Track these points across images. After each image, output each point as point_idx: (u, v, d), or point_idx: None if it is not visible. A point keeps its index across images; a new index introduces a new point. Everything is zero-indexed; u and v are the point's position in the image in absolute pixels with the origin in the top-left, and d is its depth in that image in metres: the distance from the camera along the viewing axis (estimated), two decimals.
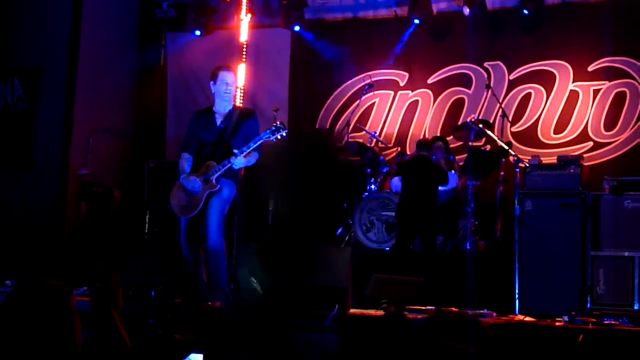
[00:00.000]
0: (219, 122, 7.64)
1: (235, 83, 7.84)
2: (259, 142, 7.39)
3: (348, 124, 10.67)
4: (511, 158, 8.94)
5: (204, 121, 7.73)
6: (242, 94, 11.70)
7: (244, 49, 11.94)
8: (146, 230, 10.77)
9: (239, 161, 7.35)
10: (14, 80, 11.06)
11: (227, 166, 7.37)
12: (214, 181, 7.40)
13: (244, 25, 11.98)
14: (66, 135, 10.84)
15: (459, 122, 10.60)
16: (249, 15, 11.98)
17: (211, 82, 7.74)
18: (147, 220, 10.81)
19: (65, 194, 10.73)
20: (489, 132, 9.47)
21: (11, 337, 2.95)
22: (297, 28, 11.62)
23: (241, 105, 10.68)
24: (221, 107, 7.69)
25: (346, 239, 9.94)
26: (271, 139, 7.46)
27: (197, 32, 12.02)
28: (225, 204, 7.51)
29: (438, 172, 9.29)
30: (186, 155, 7.65)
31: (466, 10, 10.64)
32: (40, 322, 2.96)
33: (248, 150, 7.35)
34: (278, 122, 7.55)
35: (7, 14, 11.23)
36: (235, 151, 7.35)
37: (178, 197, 7.57)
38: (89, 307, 3.83)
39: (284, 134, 7.48)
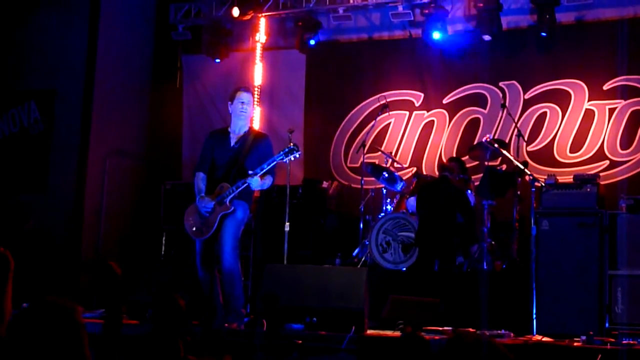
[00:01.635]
0: (233, 142, 7.69)
1: (252, 103, 7.88)
2: (272, 164, 7.43)
3: (364, 145, 10.65)
4: (527, 177, 8.92)
5: (218, 140, 7.78)
6: (257, 116, 11.77)
7: (260, 71, 11.99)
8: (162, 252, 10.78)
9: (256, 181, 7.38)
10: (30, 103, 11.14)
11: (241, 188, 7.39)
12: (227, 203, 7.42)
13: (259, 47, 12.04)
14: (82, 157, 10.89)
15: (475, 142, 10.58)
16: (264, 37, 12.04)
17: (229, 103, 7.80)
18: (163, 241, 10.82)
19: (82, 217, 10.76)
20: (504, 151, 9.44)
21: (21, 356, 2.96)
22: (312, 42, 11.59)
23: (257, 128, 10.71)
24: (237, 128, 7.74)
25: (362, 259, 9.92)
26: (284, 160, 7.49)
27: (217, 60, 12.02)
28: (239, 225, 7.53)
29: (460, 197, 9.18)
30: (201, 175, 7.70)
31: (487, 37, 10.61)
32: (48, 340, 2.96)
33: (262, 172, 7.38)
34: (291, 144, 7.55)
35: (24, 37, 11.33)
36: (250, 172, 7.37)
37: (192, 219, 7.59)
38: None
39: (297, 156, 7.50)
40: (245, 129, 7.75)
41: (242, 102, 7.72)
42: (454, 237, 9.16)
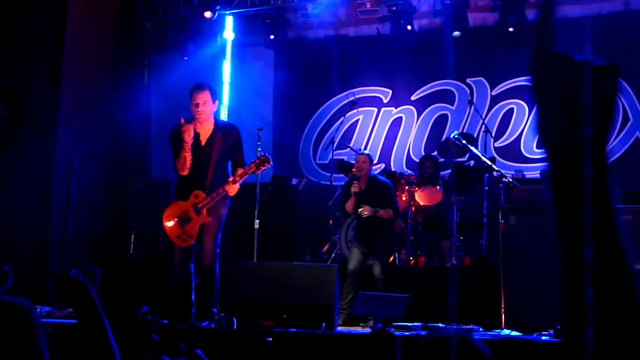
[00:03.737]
0: (203, 142, 7.63)
1: (210, 101, 7.61)
2: (244, 177, 7.47)
3: (332, 142, 10.70)
4: (495, 173, 9.00)
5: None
6: (226, 114, 11.76)
7: (227, 69, 11.98)
8: (131, 251, 10.72)
9: (234, 190, 7.43)
10: None
11: (217, 198, 7.37)
12: (205, 213, 7.39)
13: (227, 45, 12.03)
14: (49, 156, 10.80)
15: (443, 139, 10.65)
16: (232, 35, 12.03)
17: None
18: (132, 240, 10.77)
19: (49, 217, 10.67)
20: (472, 147, 9.50)
21: None
22: (272, 36, 11.54)
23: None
24: (202, 128, 7.65)
25: (332, 256, 9.95)
26: (257, 173, 7.57)
27: (185, 58, 11.98)
28: (219, 222, 7.54)
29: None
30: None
31: (456, 33, 10.66)
32: None
33: (236, 184, 7.39)
34: (263, 156, 7.62)
35: None
36: (230, 178, 7.39)
37: (173, 225, 7.51)
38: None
39: (270, 165, 7.58)
40: (211, 127, 7.68)
41: (197, 104, 7.56)
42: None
